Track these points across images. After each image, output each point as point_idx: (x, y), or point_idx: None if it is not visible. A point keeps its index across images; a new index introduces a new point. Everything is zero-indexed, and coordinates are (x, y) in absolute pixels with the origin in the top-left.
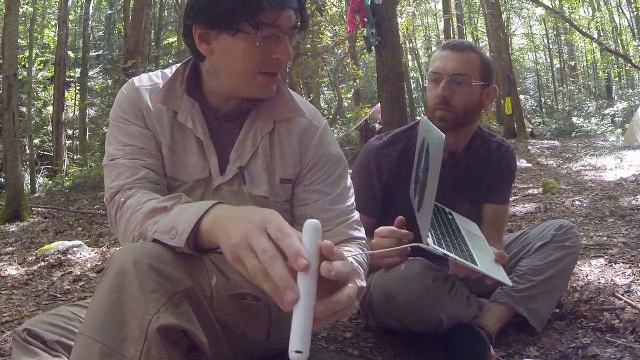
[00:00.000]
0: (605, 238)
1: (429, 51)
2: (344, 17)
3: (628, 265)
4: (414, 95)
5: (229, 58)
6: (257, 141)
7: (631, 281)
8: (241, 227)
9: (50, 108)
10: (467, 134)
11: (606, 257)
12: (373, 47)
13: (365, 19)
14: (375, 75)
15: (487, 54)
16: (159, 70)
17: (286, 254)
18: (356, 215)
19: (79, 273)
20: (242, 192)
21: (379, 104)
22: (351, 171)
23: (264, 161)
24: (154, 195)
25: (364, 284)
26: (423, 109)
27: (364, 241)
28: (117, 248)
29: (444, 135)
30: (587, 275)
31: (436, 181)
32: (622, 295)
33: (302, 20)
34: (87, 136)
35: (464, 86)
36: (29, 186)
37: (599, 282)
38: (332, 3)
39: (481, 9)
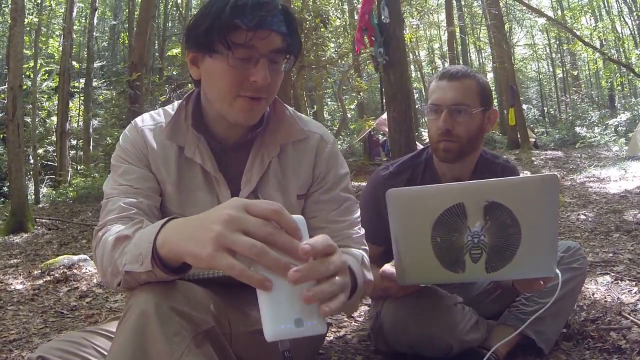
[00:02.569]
0: (611, 254)
1: (433, 63)
2: (348, 29)
3: (634, 283)
4: (417, 106)
5: (211, 80)
6: (265, 165)
7: (638, 299)
8: (210, 231)
9: (54, 118)
10: (473, 159)
11: (612, 274)
12: (380, 66)
13: (373, 38)
14: (379, 86)
15: (483, 76)
16: (161, 108)
17: (287, 230)
18: (362, 229)
19: (85, 289)
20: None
21: (382, 116)
22: (360, 202)
23: (275, 182)
24: (123, 227)
25: (370, 276)
26: (425, 120)
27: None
28: None
29: (553, 175)
30: (593, 294)
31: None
32: (629, 314)
33: (292, 46)
34: (91, 147)
35: (464, 115)
36: (33, 197)
37: (606, 301)
38: (336, 16)
39: (484, 20)
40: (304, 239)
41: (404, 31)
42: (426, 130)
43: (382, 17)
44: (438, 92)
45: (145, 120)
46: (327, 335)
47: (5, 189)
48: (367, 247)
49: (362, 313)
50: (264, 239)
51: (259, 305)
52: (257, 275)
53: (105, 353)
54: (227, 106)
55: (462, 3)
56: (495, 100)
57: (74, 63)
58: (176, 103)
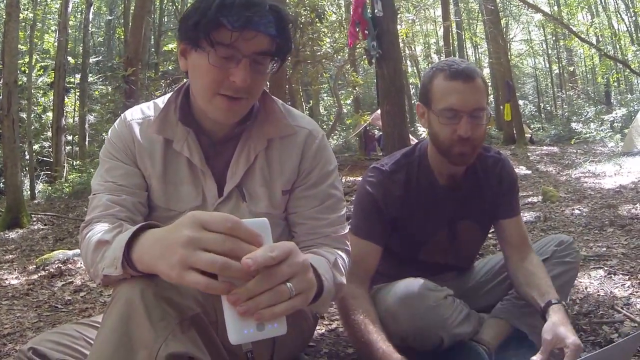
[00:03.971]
0: (604, 249)
1: (429, 58)
2: (344, 24)
3: (627, 277)
4: (412, 101)
5: (194, 74)
6: (251, 159)
7: (630, 293)
8: (174, 253)
9: (50, 114)
10: None
11: (605, 268)
12: (374, 60)
13: (366, 32)
14: (374, 81)
15: (484, 69)
16: (152, 101)
17: (247, 239)
18: (345, 229)
19: (79, 283)
20: (241, 209)
21: (378, 111)
22: (355, 201)
23: (261, 177)
24: (106, 227)
25: (342, 279)
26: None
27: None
28: None
29: None
30: (586, 288)
31: None
32: (622, 308)
33: (280, 48)
34: (87, 142)
35: (481, 119)
36: (29, 192)
37: (599, 295)
38: (332, 11)
39: (480, 15)
40: (266, 243)
41: (399, 25)
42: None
43: (376, 11)
44: (455, 95)
45: (134, 114)
46: (319, 327)
47: (1, 184)
48: (349, 248)
49: None
50: (225, 254)
51: (224, 312)
52: (221, 285)
53: None
54: (206, 103)
55: None
56: (492, 96)
57: (69, 58)
58: (167, 96)
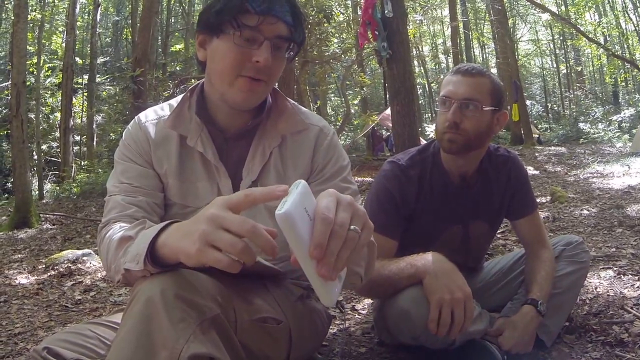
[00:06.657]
0: (614, 249)
1: (436, 58)
2: (351, 25)
3: (637, 277)
4: (420, 102)
5: (215, 59)
6: (266, 156)
7: None
8: (198, 229)
9: (57, 114)
10: (478, 156)
11: (615, 268)
12: (384, 61)
13: (377, 32)
14: (382, 81)
15: (497, 78)
16: (165, 102)
17: (263, 199)
18: None
19: (89, 283)
20: (257, 206)
21: (386, 111)
22: (370, 194)
23: (275, 174)
24: (126, 226)
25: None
26: (429, 115)
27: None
28: None
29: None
30: (596, 288)
31: None
32: (631, 308)
33: (296, 36)
34: (95, 143)
35: (474, 111)
36: (37, 192)
37: (608, 295)
38: (340, 11)
39: (487, 15)
40: (310, 204)
41: (408, 26)
42: (429, 125)
43: (386, 12)
44: (450, 85)
45: (149, 116)
46: (331, 327)
47: (10, 185)
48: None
49: (366, 306)
50: (245, 236)
51: (312, 284)
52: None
53: (110, 343)
54: (227, 86)
55: None
56: None
57: (77, 59)
58: (180, 97)
